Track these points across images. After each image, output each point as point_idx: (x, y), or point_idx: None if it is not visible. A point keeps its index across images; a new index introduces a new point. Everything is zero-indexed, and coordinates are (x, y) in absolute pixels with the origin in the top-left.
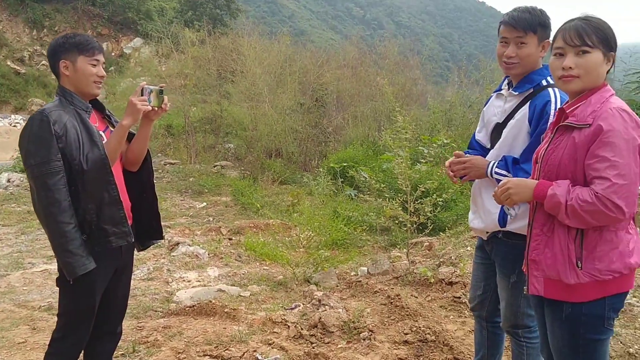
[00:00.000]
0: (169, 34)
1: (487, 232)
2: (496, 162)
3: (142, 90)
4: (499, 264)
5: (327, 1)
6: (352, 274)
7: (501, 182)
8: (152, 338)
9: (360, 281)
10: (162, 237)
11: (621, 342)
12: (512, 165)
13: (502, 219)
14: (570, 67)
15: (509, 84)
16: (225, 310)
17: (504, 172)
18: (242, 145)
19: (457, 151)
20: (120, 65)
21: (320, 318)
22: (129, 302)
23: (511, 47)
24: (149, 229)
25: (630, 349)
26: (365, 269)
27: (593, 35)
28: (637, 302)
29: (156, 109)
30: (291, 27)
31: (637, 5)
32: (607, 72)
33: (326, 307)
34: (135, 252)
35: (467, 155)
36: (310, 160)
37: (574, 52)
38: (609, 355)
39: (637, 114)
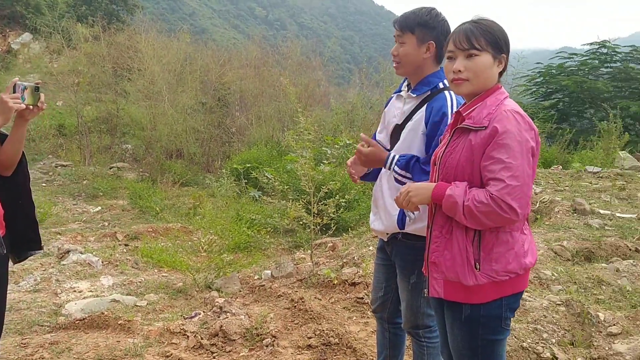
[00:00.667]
0: (60, 29)
1: (388, 234)
2: (397, 158)
3: (14, 86)
4: (399, 265)
5: (230, 0)
6: (255, 277)
7: (403, 187)
8: (37, 355)
9: (264, 285)
10: (40, 248)
11: (515, 337)
12: (413, 164)
13: (401, 220)
14: (460, 70)
15: (408, 86)
16: (119, 322)
17: (403, 172)
18: (140, 146)
19: (362, 134)
20: (7, 61)
21: (222, 326)
22: (12, 317)
23: (395, 46)
24: (25, 239)
25: (524, 343)
26: (269, 272)
27: (481, 38)
28: (529, 297)
29: (31, 107)
30: (192, 25)
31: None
32: (501, 75)
33: (228, 314)
34: (13, 264)
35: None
36: (213, 161)
37: (463, 55)
38: (505, 353)
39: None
